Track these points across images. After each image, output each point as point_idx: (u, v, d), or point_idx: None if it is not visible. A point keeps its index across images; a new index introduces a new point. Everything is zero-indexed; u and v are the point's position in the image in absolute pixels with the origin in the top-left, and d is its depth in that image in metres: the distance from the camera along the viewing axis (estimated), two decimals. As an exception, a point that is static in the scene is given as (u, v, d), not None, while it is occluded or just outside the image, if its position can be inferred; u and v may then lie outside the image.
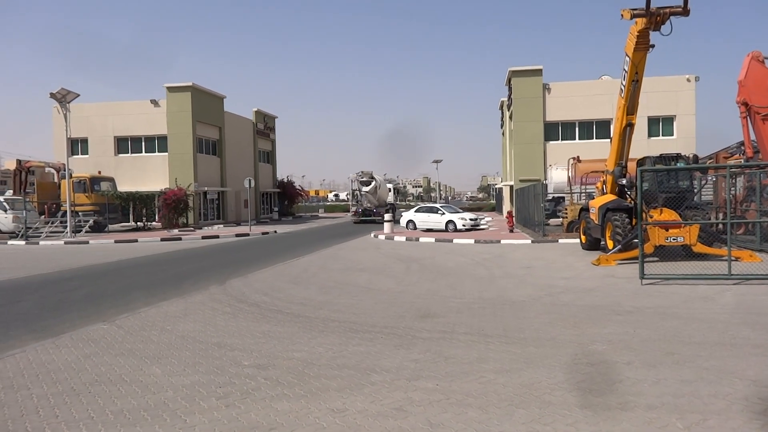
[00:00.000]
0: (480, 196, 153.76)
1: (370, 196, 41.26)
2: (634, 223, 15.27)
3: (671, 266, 12.49)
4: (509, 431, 4.65)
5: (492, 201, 75.02)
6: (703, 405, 5.06)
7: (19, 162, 33.50)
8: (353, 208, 45.22)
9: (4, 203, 30.83)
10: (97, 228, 31.54)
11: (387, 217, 28.64)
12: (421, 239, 24.84)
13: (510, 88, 40.17)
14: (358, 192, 42.65)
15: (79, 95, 28.33)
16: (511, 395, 5.43)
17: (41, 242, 26.86)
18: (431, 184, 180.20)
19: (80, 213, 30.80)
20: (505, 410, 5.06)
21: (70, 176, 29.34)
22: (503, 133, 51.69)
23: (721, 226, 16.82)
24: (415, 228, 29.76)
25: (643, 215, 13.15)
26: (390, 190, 49.02)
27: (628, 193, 16.56)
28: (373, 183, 40.92)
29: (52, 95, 27.79)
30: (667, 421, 4.73)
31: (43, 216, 31.74)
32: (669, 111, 37.00)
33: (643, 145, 33.00)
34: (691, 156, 17.15)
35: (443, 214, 29.01)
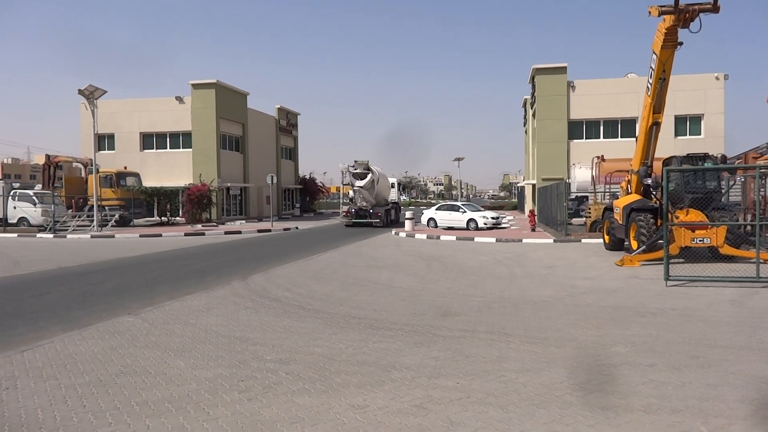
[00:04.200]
0: (502, 194, 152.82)
1: (366, 193, 32.45)
2: (659, 224, 15.05)
3: (697, 268, 12.25)
4: (530, 431, 4.63)
5: (514, 200, 74.53)
6: (728, 410, 4.98)
7: (47, 157, 34.23)
8: (344, 208, 35.20)
9: (34, 197, 31.56)
10: (123, 222, 32.09)
11: (408, 215, 28.53)
12: (442, 237, 24.78)
13: (534, 86, 39.87)
14: (350, 187, 33.28)
15: (106, 92, 28.79)
16: (532, 395, 5.40)
17: (68, 236, 27.41)
18: (452, 182, 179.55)
19: (106, 207, 31.37)
20: (526, 410, 5.04)
21: (97, 171, 29.88)
22: (526, 131, 51.30)
23: (749, 227, 16.47)
24: (436, 226, 29.70)
25: (669, 216, 12.94)
26: (393, 186, 40.22)
27: (654, 193, 16.31)
28: (369, 176, 32.13)
29: (81, 92, 28.27)
30: (691, 425, 4.66)
31: (70, 210, 32.38)
32: (697, 110, 36.34)
33: (669, 145, 32.55)
34: (719, 156, 16.83)
35: (464, 212, 28.88)
